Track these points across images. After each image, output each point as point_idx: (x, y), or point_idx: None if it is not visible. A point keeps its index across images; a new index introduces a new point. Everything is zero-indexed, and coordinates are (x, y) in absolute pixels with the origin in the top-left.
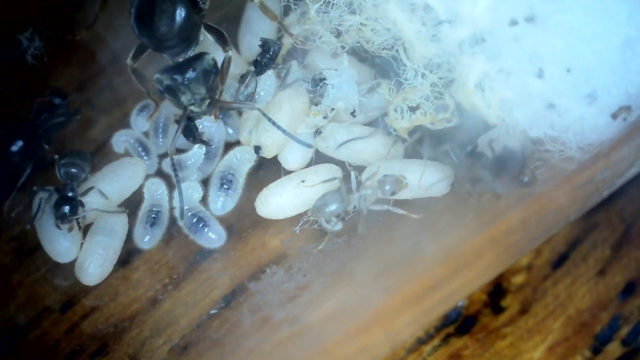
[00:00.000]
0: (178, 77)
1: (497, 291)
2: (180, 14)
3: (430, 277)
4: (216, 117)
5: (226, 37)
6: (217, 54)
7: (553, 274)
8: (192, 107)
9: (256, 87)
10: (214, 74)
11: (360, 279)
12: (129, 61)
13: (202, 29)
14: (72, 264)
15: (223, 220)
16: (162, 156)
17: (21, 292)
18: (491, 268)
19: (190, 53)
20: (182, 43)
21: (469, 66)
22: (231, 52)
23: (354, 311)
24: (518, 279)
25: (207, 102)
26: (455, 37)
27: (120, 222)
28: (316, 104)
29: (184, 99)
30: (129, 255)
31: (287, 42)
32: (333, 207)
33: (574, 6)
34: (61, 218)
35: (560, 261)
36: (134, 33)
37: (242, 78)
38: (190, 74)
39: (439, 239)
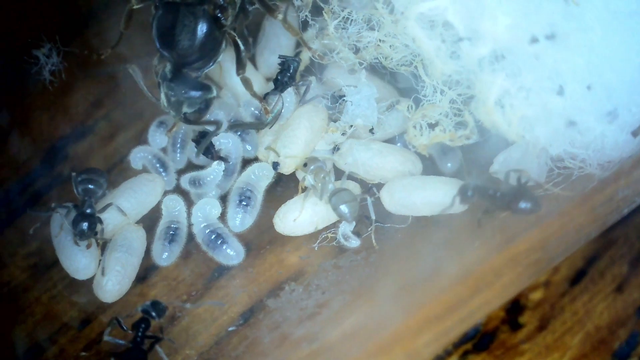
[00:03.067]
0: (171, 90)
1: (515, 308)
2: (202, 29)
3: (450, 297)
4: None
5: (243, 58)
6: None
7: (571, 290)
8: (164, 109)
9: (283, 106)
10: (203, 109)
11: (380, 297)
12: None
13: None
14: (90, 280)
15: (241, 236)
16: (180, 172)
17: (38, 309)
18: (511, 287)
19: (212, 66)
20: (202, 58)
21: (489, 83)
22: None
23: (373, 330)
24: (536, 296)
25: (180, 116)
26: (475, 54)
27: (138, 239)
28: (335, 121)
29: (163, 101)
30: (146, 271)
31: (305, 58)
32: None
33: (595, 24)
34: (79, 235)
35: (578, 278)
36: (155, 46)
37: (267, 97)
38: (181, 94)
39: (458, 257)
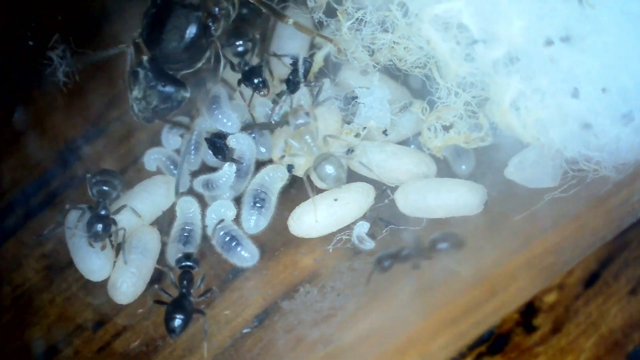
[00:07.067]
0: (148, 81)
1: (529, 310)
2: (190, 34)
3: (465, 300)
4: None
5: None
6: None
7: (585, 292)
8: (132, 100)
9: (291, 106)
10: (175, 106)
11: (395, 300)
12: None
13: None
14: (104, 282)
15: (255, 238)
16: (194, 174)
17: (52, 311)
18: (525, 290)
19: (190, 70)
20: (182, 62)
21: (504, 85)
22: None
23: (388, 333)
24: (550, 298)
25: (142, 106)
26: (490, 57)
27: (153, 241)
28: (348, 123)
29: (137, 92)
30: (160, 273)
31: (318, 59)
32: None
33: (610, 26)
34: (94, 236)
35: (591, 280)
36: (142, 39)
37: (277, 98)
38: (158, 86)
39: (474, 260)
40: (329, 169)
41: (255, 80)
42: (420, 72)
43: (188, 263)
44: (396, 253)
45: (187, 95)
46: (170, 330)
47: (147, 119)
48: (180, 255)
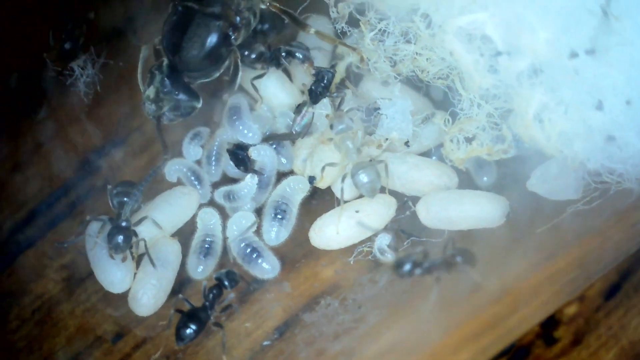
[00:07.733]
0: (164, 86)
1: (549, 322)
2: (210, 42)
3: (488, 314)
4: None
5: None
6: None
7: (605, 304)
8: (145, 99)
9: (313, 117)
10: (184, 114)
11: (417, 314)
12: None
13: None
14: (124, 293)
15: (276, 250)
16: (215, 185)
17: (72, 322)
18: (548, 305)
19: (208, 79)
20: (201, 70)
21: (528, 98)
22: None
23: (410, 347)
24: (570, 310)
25: (152, 107)
26: (514, 69)
27: (173, 252)
28: (370, 134)
29: (150, 93)
30: (181, 285)
31: (340, 70)
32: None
33: (635, 39)
34: (115, 248)
35: (612, 292)
36: (162, 45)
37: (299, 108)
38: (172, 93)
39: (496, 274)
40: (366, 178)
41: (297, 53)
42: (443, 84)
43: (224, 281)
44: (420, 261)
45: (198, 106)
46: (178, 338)
47: (155, 118)
48: (224, 270)
